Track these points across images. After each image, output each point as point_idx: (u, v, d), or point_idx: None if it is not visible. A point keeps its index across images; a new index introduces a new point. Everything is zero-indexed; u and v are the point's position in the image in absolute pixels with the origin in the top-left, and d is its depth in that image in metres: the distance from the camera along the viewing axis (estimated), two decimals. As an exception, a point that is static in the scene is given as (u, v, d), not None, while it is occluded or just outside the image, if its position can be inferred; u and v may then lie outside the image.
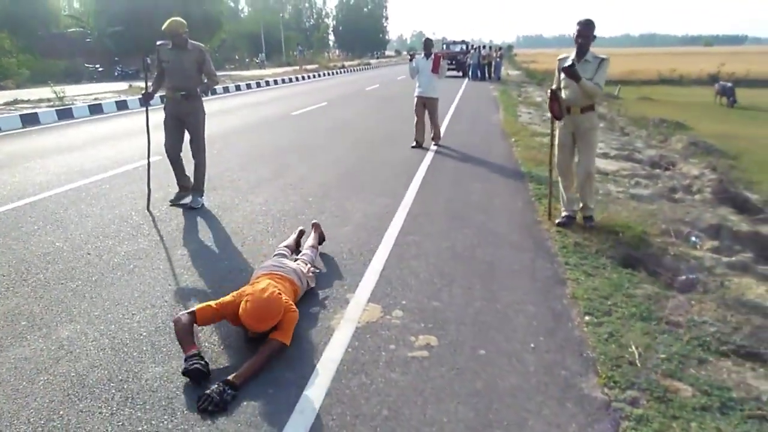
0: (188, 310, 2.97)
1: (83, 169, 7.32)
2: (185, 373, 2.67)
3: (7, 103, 13.34)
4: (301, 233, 4.55)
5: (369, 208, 5.70)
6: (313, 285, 3.75)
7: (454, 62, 32.07)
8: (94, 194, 6.11)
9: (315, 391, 2.65)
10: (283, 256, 3.94)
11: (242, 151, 8.84)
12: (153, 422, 2.43)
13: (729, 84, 23.16)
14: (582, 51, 4.86)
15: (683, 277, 4.35)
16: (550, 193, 5.52)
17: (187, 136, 5.74)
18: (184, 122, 5.65)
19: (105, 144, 9.26)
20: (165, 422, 2.43)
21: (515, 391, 2.69)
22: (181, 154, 5.75)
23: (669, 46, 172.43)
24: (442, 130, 10.18)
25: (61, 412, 2.50)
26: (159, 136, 5.68)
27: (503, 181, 7.07)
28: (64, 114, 12.57)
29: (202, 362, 2.71)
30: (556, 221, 5.23)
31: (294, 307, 3.10)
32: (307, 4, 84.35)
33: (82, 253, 4.39)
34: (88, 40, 38.20)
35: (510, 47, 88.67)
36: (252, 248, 4.58)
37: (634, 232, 5.02)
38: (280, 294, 2.99)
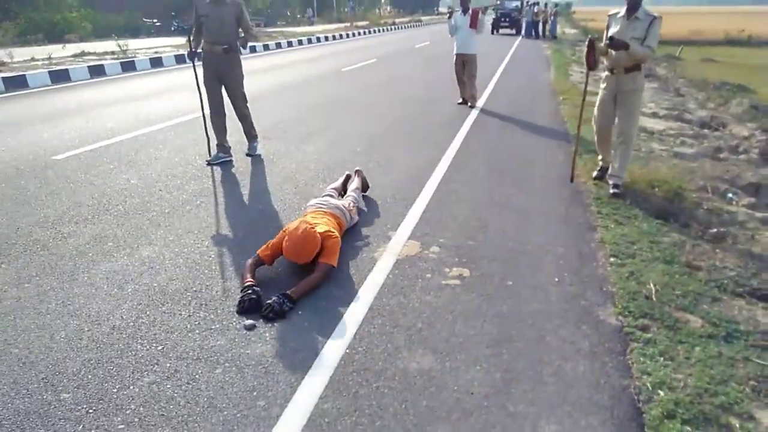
0: (253, 256, 3.35)
1: (148, 118, 7.87)
2: (239, 302, 3.02)
3: (75, 56, 14.16)
4: (348, 177, 4.86)
5: (413, 159, 6.01)
6: (357, 218, 4.17)
7: (507, 19, 31.38)
8: (160, 140, 6.64)
9: (359, 306, 3.05)
10: (330, 196, 4.27)
11: (295, 104, 9.23)
12: (224, 323, 2.89)
13: (799, 45, 21.92)
14: (633, 6, 4.64)
15: (714, 230, 4.52)
16: (575, 154, 5.42)
17: (224, 91, 5.79)
18: (223, 77, 5.70)
19: (166, 95, 9.82)
20: (234, 323, 2.89)
21: (536, 314, 3.02)
22: (225, 111, 5.81)
23: (741, 5, 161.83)
24: (491, 87, 10.28)
25: (148, 312, 2.99)
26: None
27: (547, 136, 7.23)
28: (128, 66, 13.27)
29: (251, 292, 3.03)
30: (593, 175, 5.36)
31: (335, 234, 3.47)
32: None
33: (155, 190, 4.91)
34: (147, -7, 39.01)
35: (569, 5, 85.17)
36: (304, 190, 4.99)
37: (671, 187, 5.16)
38: (312, 228, 3.32)
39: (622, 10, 4.76)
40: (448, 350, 2.69)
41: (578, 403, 2.35)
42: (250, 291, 3.03)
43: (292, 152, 6.28)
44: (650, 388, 2.43)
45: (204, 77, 5.71)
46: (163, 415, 2.24)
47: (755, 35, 35.11)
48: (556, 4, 34.82)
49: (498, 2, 34.97)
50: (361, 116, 8.30)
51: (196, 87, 5.83)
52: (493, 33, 29.75)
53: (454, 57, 9.17)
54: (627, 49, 4.54)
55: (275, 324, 2.88)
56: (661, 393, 2.40)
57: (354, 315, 2.97)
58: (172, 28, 31.97)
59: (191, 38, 5.66)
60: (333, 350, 2.68)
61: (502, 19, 31.47)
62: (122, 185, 5.02)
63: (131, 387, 2.40)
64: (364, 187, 4.81)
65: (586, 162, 5.76)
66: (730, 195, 5.38)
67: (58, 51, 15.46)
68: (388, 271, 3.47)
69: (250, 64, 14.79)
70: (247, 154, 6.08)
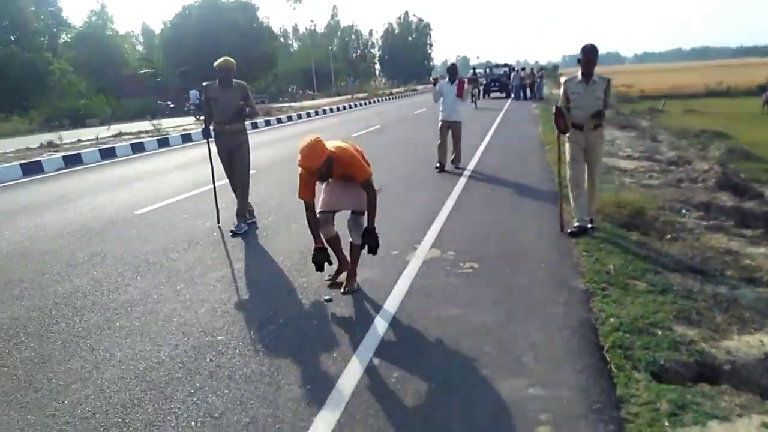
0: (306, 210, 4.04)
1: (193, 183, 9.28)
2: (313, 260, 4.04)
3: (114, 136, 15.89)
4: None
5: (426, 199, 7.36)
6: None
7: (497, 84, 33.64)
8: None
9: (402, 284, 4.33)
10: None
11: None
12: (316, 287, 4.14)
13: (774, 93, 23.68)
14: (589, 73, 5.34)
15: (669, 236, 5.80)
16: (561, 204, 5.83)
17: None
18: (231, 154, 6.19)
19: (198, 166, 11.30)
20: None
21: (527, 285, 4.28)
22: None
23: (722, 59, 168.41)
24: (487, 138, 11.68)
25: (253, 297, 4.23)
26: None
27: (535, 176, 8.63)
28: (163, 143, 14.99)
29: (320, 253, 4.00)
30: (569, 231, 5.53)
31: (348, 149, 4.03)
32: (353, 36, 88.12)
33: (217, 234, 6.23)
34: (158, 79, 41.93)
35: (555, 67, 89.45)
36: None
37: (635, 206, 6.47)
38: (318, 139, 3.79)
39: (578, 75, 5.41)
40: (467, 305, 3.94)
41: (556, 326, 3.57)
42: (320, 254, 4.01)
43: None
44: (604, 318, 3.64)
45: (218, 152, 6.24)
46: (287, 342, 3.46)
47: (733, 86, 37.37)
48: (541, 68, 37.28)
49: (487, 69, 37.42)
50: (377, 168, 9.71)
51: (209, 161, 6.42)
52: (484, 97, 31.47)
53: (440, 123, 9.59)
54: (604, 117, 5.41)
55: (347, 297, 4.13)
56: (611, 319, 3.61)
57: (400, 290, 4.23)
58: (185, 109, 34.23)
59: (205, 118, 6.18)
60: (389, 307, 3.94)
61: (492, 85, 33.72)
62: (188, 236, 6.35)
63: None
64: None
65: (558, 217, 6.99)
66: (684, 211, 6.69)
67: (102, 132, 17.13)
68: (418, 267, 4.74)
69: (264, 137, 16.49)
70: (233, 233, 6.01)
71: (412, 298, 4.09)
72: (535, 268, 4.65)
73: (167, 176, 10.12)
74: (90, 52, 42.81)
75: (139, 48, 66.00)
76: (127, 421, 2.75)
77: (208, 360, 3.31)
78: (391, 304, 3.99)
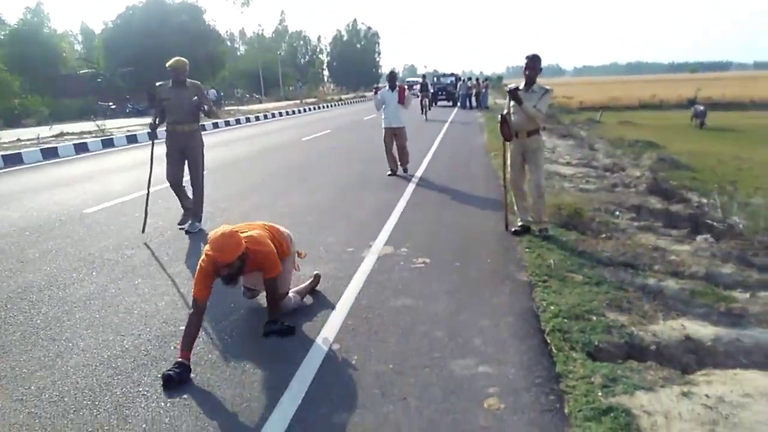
0: (190, 309, 3.30)
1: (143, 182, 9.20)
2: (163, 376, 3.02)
3: (55, 136, 15.40)
4: (317, 280, 4.44)
5: (379, 200, 7.60)
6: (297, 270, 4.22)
7: (444, 93, 34.46)
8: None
9: (359, 277, 4.54)
10: None
11: (274, 164, 10.79)
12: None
13: (702, 108, 25.17)
14: (530, 81, 5.51)
15: (603, 235, 6.24)
16: (506, 206, 6.07)
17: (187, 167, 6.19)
18: (185, 154, 6.15)
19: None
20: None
21: (476, 278, 4.57)
22: (184, 183, 6.29)
23: (655, 74, 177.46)
24: (435, 144, 12.03)
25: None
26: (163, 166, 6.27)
27: (481, 179, 9.03)
28: (108, 143, 14.67)
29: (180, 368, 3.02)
30: (512, 230, 5.85)
31: (263, 240, 3.51)
32: (302, 42, 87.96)
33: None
34: (99, 80, 40.59)
35: (500, 78, 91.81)
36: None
37: (572, 208, 6.90)
38: (234, 231, 3.31)
39: (521, 84, 5.61)
40: (421, 297, 4.19)
41: (502, 313, 3.87)
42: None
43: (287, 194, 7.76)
44: (545, 306, 3.96)
45: (168, 152, 6.15)
46: (250, 331, 3.61)
47: (665, 100, 39.46)
48: (486, 78, 38.36)
49: (435, 78, 38.18)
50: (331, 171, 9.93)
51: (150, 164, 6.26)
52: (431, 106, 32.11)
53: (384, 130, 9.54)
54: (521, 104, 5.45)
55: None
56: (552, 307, 3.92)
57: (356, 284, 4.44)
58: (127, 110, 33.33)
59: (155, 118, 6.17)
60: (347, 298, 4.14)
61: (440, 93, 34.50)
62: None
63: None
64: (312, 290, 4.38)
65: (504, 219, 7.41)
66: (617, 212, 7.19)
67: (44, 132, 16.47)
68: (373, 262, 4.96)
69: (215, 138, 16.36)
70: (187, 231, 6.12)
71: (369, 290, 4.31)
72: (482, 263, 4.96)
73: (115, 176, 9.96)
74: (25, 50, 40.93)
75: (78, 48, 63.65)
76: (97, 403, 2.84)
77: (172, 348, 3.42)
78: (349, 295, 4.19)
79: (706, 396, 2.82)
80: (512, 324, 3.72)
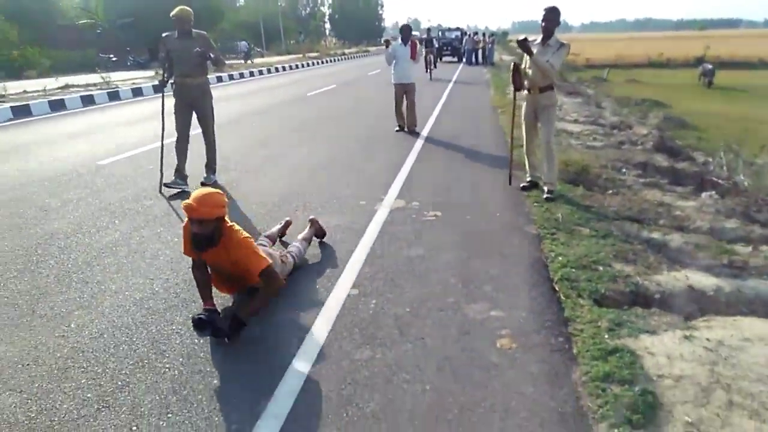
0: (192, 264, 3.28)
1: (155, 135, 9.27)
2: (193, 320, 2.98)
3: (61, 88, 15.34)
4: (287, 224, 4.59)
5: (388, 154, 7.70)
6: (289, 269, 3.82)
7: (449, 48, 33.91)
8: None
9: (373, 228, 4.70)
10: (262, 245, 3.74)
11: (281, 120, 10.83)
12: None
13: (710, 66, 24.88)
14: (547, 34, 5.33)
15: (610, 191, 6.37)
16: (510, 161, 6.27)
17: (195, 119, 6.11)
18: (193, 106, 6.05)
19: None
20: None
21: (486, 230, 4.72)
22: (189, 139, 6.15)
23: (664, 31, 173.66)
24: (442, 101, 12.00)
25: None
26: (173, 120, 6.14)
27: (489, 135, 9.09)
28: (114, 96, 14.64)
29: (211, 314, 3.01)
30: (520, 185, 5.93)
31: (242, 236, 3.17)
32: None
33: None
34: (99, 31, 39.90)
35: (505, 33, 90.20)
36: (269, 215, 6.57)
37: (580, 165, 7.01)
38: (222, 193, 3.10)
39: (539, 38, 5.49)
40: (432, 247, 4.35)
41: (512, 263, 4.04)
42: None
43: (287, 155, 7.86)
44: (553, 256, 4.12)
45: (175, 106, 6.02)
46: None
47: (673, 58, 38.88)
48: (492, 34, 37.72)
49: (440, 33, 37.52)
50: (339, 126, 9.98)
51: (161, 117, 6.18)
52: (435, 63, 31.46)
53: (395, 86, 9.45)
54: (531, 56, 5.35)
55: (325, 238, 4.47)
56: (560, 258, 4.09)
57: (371, 234, 4.59)
58: (128, 63, 32.96)
59: (164, 71, 6.00)
60: (363, 248, 4.30)
61: (445, 48, 33.95)
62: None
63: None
64: (320, 234, 4.52)
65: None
66: (624, 169, 7.29)
67: (50, 84, 16.41)
68: (386, 215, 5.11)
69: (220, 92, 16.29)
70: (203, 183, 6.15)
71: (384, 240, 4.47)
72: (492, 216, 5.10)
73: (124, 129, 10.02)
74: (21, -1, 40.16)
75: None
76: (134, 339, 3.04)
77: (200, 291, 3.60)
78: (364, 245, 4.36)
79: (707, 339, 3.00)
80: (522, 273, 3.89)
